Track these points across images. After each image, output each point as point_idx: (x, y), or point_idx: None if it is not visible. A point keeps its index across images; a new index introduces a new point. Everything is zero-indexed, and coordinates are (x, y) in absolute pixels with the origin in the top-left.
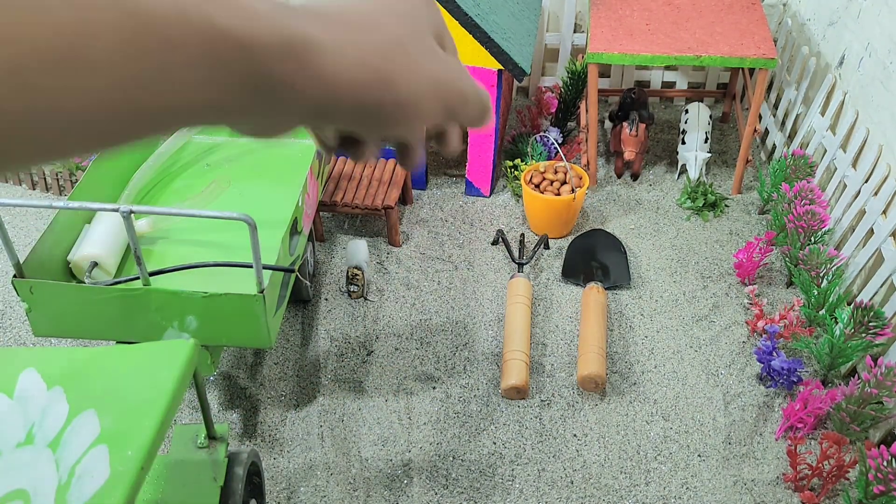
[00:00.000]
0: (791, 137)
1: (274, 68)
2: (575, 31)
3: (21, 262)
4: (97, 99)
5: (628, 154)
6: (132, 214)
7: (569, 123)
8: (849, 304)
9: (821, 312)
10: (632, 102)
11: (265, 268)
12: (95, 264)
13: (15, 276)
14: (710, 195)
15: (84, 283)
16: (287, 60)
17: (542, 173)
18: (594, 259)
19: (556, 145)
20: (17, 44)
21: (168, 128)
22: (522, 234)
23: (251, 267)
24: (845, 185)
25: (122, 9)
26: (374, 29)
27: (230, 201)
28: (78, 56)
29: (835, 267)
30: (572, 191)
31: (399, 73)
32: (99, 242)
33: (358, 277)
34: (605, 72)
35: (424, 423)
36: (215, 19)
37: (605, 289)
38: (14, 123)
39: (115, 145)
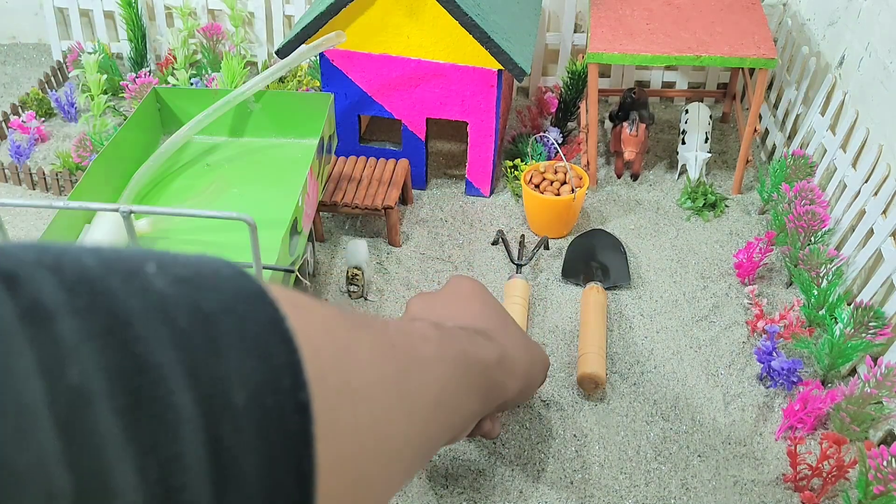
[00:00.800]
0: (791, 137)
1: (497, 376)
2: (575, 31)
3: None
4: (447, 420)
5: (628, 154)
6: (132, 214)
7: (569, 123)
8: (849, 304)
9: (821, 312)
10: (632, 102)
11: (265, 268)
12: None
13: None
14: (710, 195)
15: None
16: (501, 369)
17: (542, 173)
18: (594, 259)
19: (556, 145)
20: (422, 396)
21: (454, 435)
22: (522, 236)
23: (251, 267)
24: (845, 185)
25: (456, 363)
26: (508, 328)
27: (230, 201)
28: (442, 399)
29: (835, 267)
30: (572, 191)
31: (532, 354)
32: (101, 243)
33: (358, 277)
34: (605, 72)
35: None
36: (476, 354)
37: (605, 289)
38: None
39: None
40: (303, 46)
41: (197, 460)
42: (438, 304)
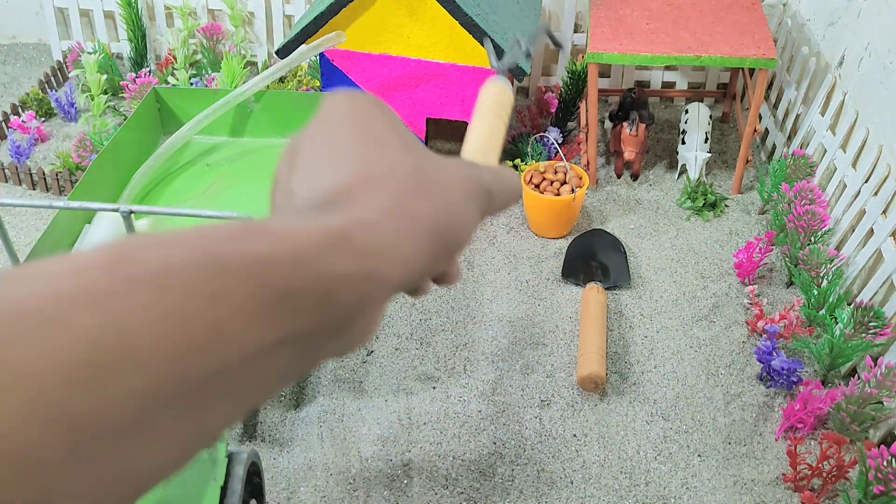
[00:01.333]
0: (791, 137)
1: (333, 267)
2: (575, 31)
3: (21, 262)
4: (138, 401)
5: (628, 154)
6: (132, 214)
7: (569, 123)
8: (849, 304)
9: (821, 312)
10: (632, 102)
11: None
12: None
13: None
14: (710, 195)
15: None
16: (343, 253)
17: (542, 173)
18: (594, 259)
19: (556, 145)
20: (34, 371)
21: (240, 403)
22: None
23: None
24: (845, 185)
25: (145, 284)
26: (392, 174)
27: (230, 201)
28: (110, 360)
29: (835, 267)
30: (572, 191)
31: (442, 198)
32: (102, 244)
33: None
34: (605, 72)
35: (424, 423)
36: (251, 250)
37: (605, 289)
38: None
39: (186, 456)
40: (303, 47)
41: None
42: (297, 161)
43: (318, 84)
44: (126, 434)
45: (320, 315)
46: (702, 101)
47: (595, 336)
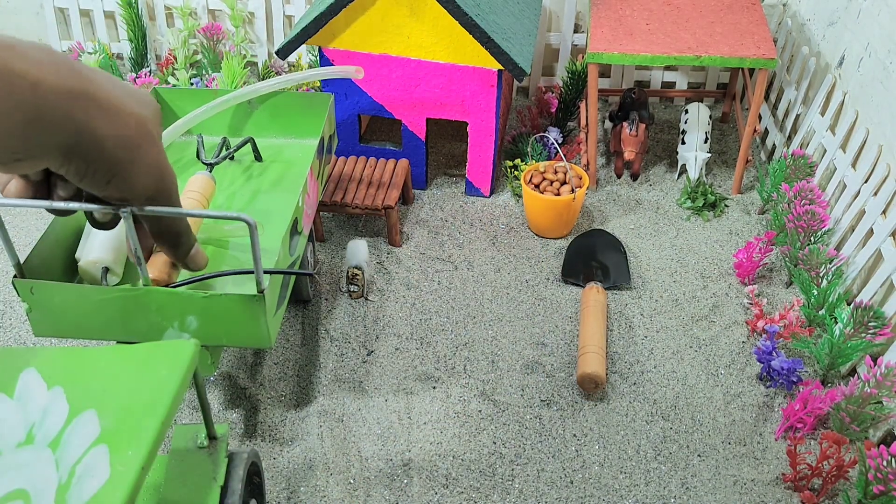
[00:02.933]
0: (791, 137)
1: (64, 105)
2: (575, 31)
3: (21, 262)
4: None
5: (628, 154)
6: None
7: (569, 123)
8: (849, 304)
9: (821, 312)
10: (632, 102)
11: (285, 273)
12: (108, 269)
13: (15, 276)
14: (710, 195)
15: (86, 284)
16: (76, 101)
17: (542, 173)
18: (594, 259)
19: (556, 145)
20: None
21: None
22: (224, 138)
23: (252, 273)
24: (845, 185)
25: None
26: (129, 105)
27: (230, 201)
28: None
29: (835, 267)
30: (572, 191)
31: (143, 145)
32: (107, 246)
33: (358, 277)
34: (605, 72)
35: (424, 423)
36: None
37: (605, 289)
38: None
39: None
40: (322, 69)
41: None
42: None
43: (319, 84)
44: None
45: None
46: (702, 101)
47: (595, 336)
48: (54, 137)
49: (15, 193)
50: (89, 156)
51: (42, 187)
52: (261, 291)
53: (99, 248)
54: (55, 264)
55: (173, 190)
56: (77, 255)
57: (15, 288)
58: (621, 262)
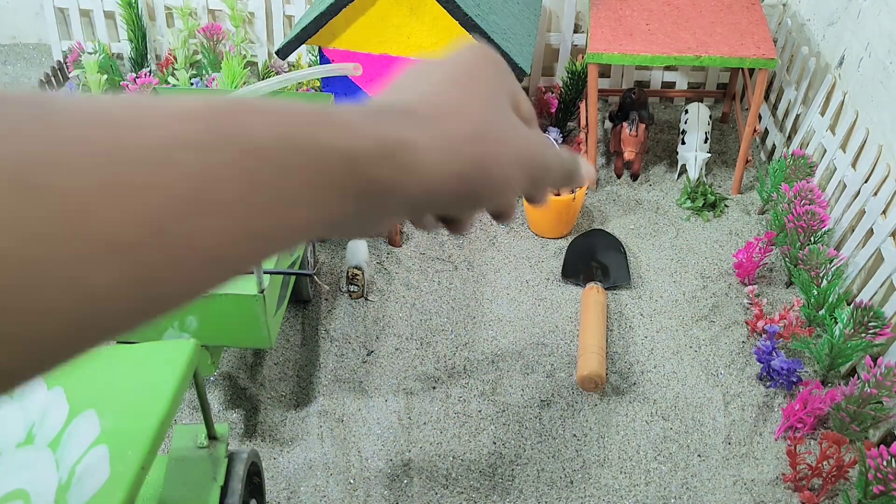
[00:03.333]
0: (791, 137)
1: (375, 173)
2: (575, 31)
3: None
4: (223, 235)
5: (628, 154)
6: None
7: (569, 123)
8: (849, 304)
9: (820, 312)
10: (632, 102)
11: (286, 273)
12: None
13: None
14: (709, 195)
15: None
16: (386, 164)
17: None
18: (594, 259)
19: (556, 145)
20: (150, 195)
21: (281, 248)
22: None
23: (251, 273)
24: (845, 185)
25: (239, 146)
26: (460, 116)
27: None
28: (204, 199)
29: (834, 267)
30: (572, 191)
31: (488, 155)
32: None
33: (358, 277)
34: (605, 72)
35: (424, 423)
36: (320, 139)
37: (605, 289)
38: (156, 273)
39: (234, 274)
40: (319, 67)
41: None
42: (412, 72)
43: (318, 84)
44: (215, 256)
45: (356, 204)
46: (702, 101)
47: (595, 336)
48: (386, 206)
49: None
50: (430, 206)
51: None
52: (261, 291)
53: None
54: None
55: (550, 166)
56: None
57: None
58: (621, 262)
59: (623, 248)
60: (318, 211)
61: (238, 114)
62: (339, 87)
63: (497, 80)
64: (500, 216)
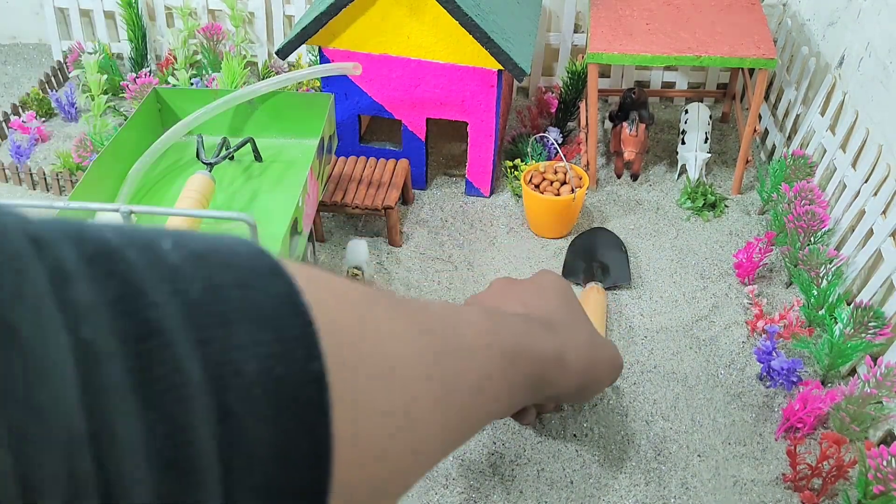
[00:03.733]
0: (791, 137)
1: (550, 374)
2: (575, 32)
3: None
4: (480, 412)
5: (628, 154)
6: (132, 214)
7: (569, 123)
8: (849, 304)
9: (821, 312)
10: (632, 102)
11: None
12: None
13: None
14: (710, 195)
15: None
16: (556, 366)
17: (542, 173)
18: (595, 258)
19: (556, 145)
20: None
21: (482, 426)
22: (224, 138)
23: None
24: (845, 186)
25: (501, 352)
26: (576, 327)
27: (230, 201)
28: (482, 387)
29: (835, 267)
30: (572, 191)
31: (599, 358)
32: None
33: (358, 277)
34: (605, 72)
35: None
36: (533, 346)
37: (605, 288)
38: (458, 429)
39: (457, 447)
40: (317, 67)
41: (204, 421)
42: (518, 289)
43: (318, 84)
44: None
45: (535, 393)
46: (702, 101)
47: None
48: (538, 396)
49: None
50: (551, 399)
51: None
52: None
53: None
54: None
55: (618, 359)
56: None
57: None
58: (622, 262)
59: (624, 247)
60: (521, 395)
61: (501, 326)
62: (340, 87)
63: (577, 300)
64: (525, 416)
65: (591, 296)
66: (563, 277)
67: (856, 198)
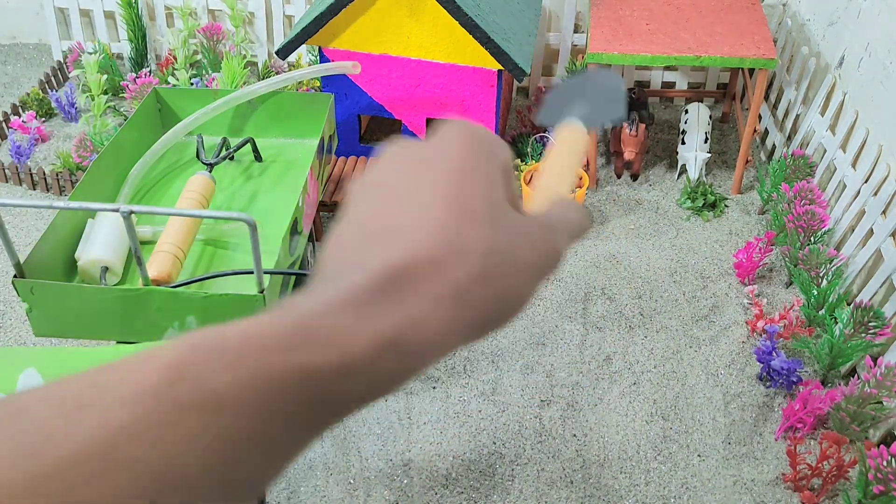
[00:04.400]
0: (791, 137)
1: (379, 368)
2: (575, 32)
3: (21, 262)
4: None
5: (628, 154)
6: (132, 214)
7: None
8: (849, 304)
9: (820, 312)
10: (632, 102)
11: (279, 273)
12: (107, 269)
13: (15, 276)
14: (710, 195)
15: (86, 284)
16: (387, 357)
17: None
18: (584, 98)
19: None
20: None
21: (292, 458)
22: (224, 138)
23: (252, 273)
24: (845, 185)
25: (201, 405)
26: (461, 257)
27: (230, 201)
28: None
29: (835, 267)
30: (572, 191)
31: (503, 289)
32: (107, 245)
33: None
34: None
35: (424, 423)
36: (303, 363)
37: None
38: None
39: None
40: (320, 66)
41: None
42: (389, 213)
43: (319, 84)
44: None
45: (359, 407)
46: (702, 101)
47: (556, 172)
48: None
49: None
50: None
51: None
52: (261, 292)
53: (99, 247)
54: (55, 264)
55: (558, 242)
56: (77, 255)
57: (15, 288)
58: (616, 96)
59: (621, 85)
60: (310, 432)
61: (192, 369)
62: (340, 87)
63: (489, 171)
64: None
65: (559, 139)
66: (474, 133)
67: (856, 198)
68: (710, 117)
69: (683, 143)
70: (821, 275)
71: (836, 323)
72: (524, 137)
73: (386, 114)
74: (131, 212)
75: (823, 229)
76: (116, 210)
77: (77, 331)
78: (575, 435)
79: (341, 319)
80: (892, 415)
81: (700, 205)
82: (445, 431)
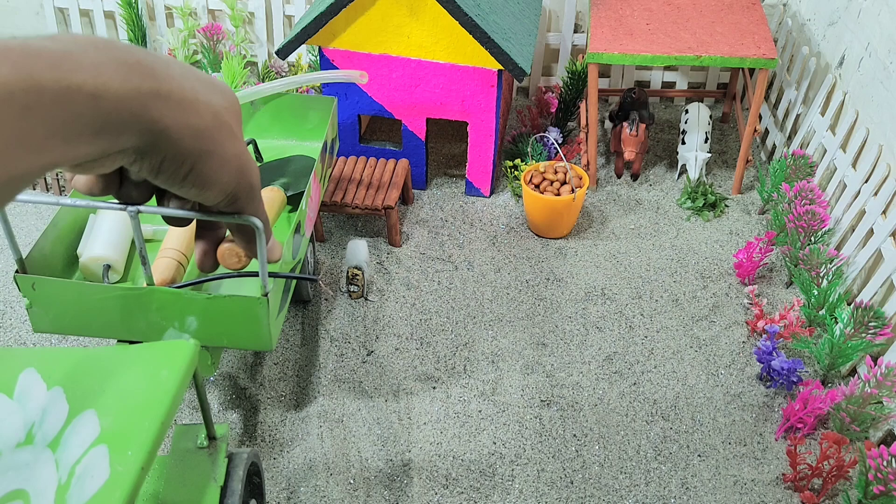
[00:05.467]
0: (791, 137)
1: (126, 106)
2: (575, 31)
3: (24, 258)
4: None
5: (628, 154)
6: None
7: (569, 123)
8: (849, 304)
9: (821, 312)
10: (632, 102)
11: (288, 277)
12: (109, 267)
13: (17, 271)
14: (710, 195)
15: (88, 282)
16: (136, 102)
17: (542, 173)
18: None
19: (556, 145)
20: None
21: (29, 183)
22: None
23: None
24: (845, 185)
25: None
26: (204, 98)
27: None
28: None
29: (835, 267)
30: (572, 191)
31: (221, 129)
32: (109, 243)
33: (358, 277)
34: (605, 72)
35: (424, 423)
36: (66, 79)
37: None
38: None
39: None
40: (326, 73)
41: None
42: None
43: (319, 86)
44: None
45: (97, 139)
46: (702, 101)
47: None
48: (126, 140)
49: (84, 188)
50: (163, 151)
51: (113, 181)
52: (264, 294)
53: (101, 245)
54: (57, 261)
55: (256, 185)
56: (78, 251)
57: (16, 283)
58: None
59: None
60: (63, 147)
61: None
62: (340, 87)
63: (231, 103)
64: (248, 238)
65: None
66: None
67: (856, 198)
68: (711, 117)
69: (684, 143)
70: (821, 275)
71: (837, 323)
72: (524, 137)
73: (386, 114)
74: (139, 211)
75: (824, 229)
76: (124, 209)
77: (77, 328)
78: (575, 435)
79: (102, 59)
80: (892, 415)
81: (700, 205)
82: (445, 431)
